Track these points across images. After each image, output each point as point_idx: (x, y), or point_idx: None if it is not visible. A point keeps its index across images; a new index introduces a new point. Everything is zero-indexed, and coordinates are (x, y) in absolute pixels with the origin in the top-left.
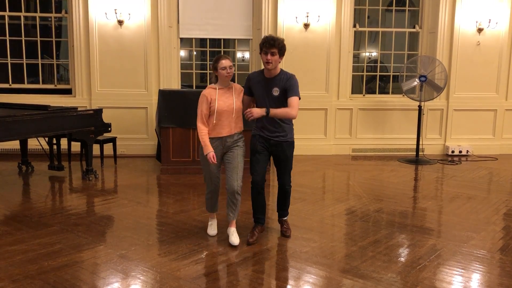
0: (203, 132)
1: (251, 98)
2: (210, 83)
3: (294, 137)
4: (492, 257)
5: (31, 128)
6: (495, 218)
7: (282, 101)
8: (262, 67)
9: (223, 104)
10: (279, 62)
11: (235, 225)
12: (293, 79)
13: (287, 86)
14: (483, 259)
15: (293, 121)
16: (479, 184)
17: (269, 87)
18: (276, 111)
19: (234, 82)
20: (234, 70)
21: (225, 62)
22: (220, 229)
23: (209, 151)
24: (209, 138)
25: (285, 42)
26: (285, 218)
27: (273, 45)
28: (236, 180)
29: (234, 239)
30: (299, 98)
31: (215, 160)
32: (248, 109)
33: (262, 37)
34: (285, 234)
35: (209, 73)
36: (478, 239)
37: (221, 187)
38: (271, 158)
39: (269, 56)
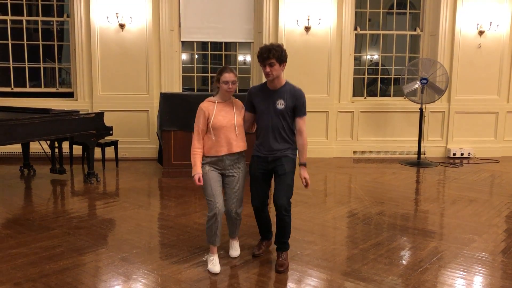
0: (195, 151)
1: (253, 115)
2: (211, 91)
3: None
4: (494, 260)
5: (33, 132)
6: (497, 221)
7: (285, 116)
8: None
9: (222, 120)
10: (282, 70)
11: (237, 239)
12: (303, 97)
13: (297, 104)
14: (485, 261)
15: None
16: (480, 187)
17: (274, 100)
18: (304, 157)
19: (236, 87)
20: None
21: (228, 76)
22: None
23: (197, 172)
24: (206, 156)
25: (285, 46)
26: (282, 252)
27: (267, 57)
28: (236, 206)
29: (233, 252)
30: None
31: (201, 182)
32: (303, 178)
33: (264, 40)
34: (277, 269)
35: (211, 83)
36: (480, 241)
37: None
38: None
39: (267, 68)
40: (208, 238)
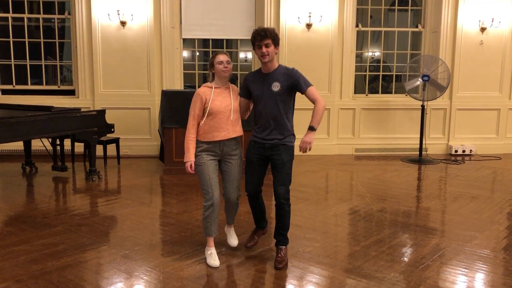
0: (190, 136)
1: (248, 101)
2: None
3: (295, 136)
4: (496, 257)
5: (34, 129)
6: (499, 218)
7: (283, 99)
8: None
9: (219, 105)
10: (276, 53)
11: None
12: (296, 72)
13: (294, 82)
14: (487, 258)
15: (296, 120)
16: (482, 184)
17: (269, 82)
18: (315, 120)
19: (236, 82)
20: (237, 71)
21: (222, 57)
22: (223, 230)
23: (189, 159)
24: (203, 142)
25: (287, 43)
26: (282, 246)
27: (265, 36)
28: (234, 192)
29: (233, 240)
30: (312, 85)
31: (193, 170)
32: (302, 142)
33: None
34: (276, 265)
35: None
36: (482, 238)
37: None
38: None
39: (264, 49)
40: (204, 229)
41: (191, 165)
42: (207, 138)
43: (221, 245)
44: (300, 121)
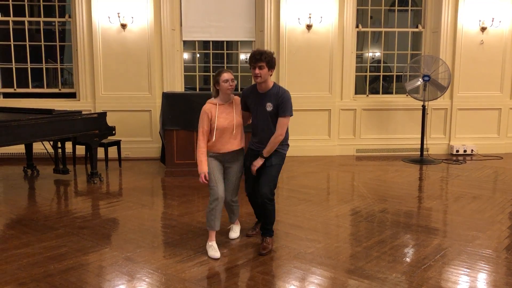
0: (200, 150)
1: (248, 113)
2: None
3: (296, 138)
4: (498, 256)
5: (36, 132)
6: (501, 217)
7: (274, 116)
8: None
9: (223, 121)
10: (270, 75)
11: (238, 223)
12: (286, 96)
13: (279, 103)
14: (489, 258)
15: (297, 121)
16: (484, 184)
17: (263, 102)
18: (267, 149)
19: (237, 85)
20: (238, 72)
21: (227, 75)
22: (225, 231)
23: (203, 171)
24: (209, 151)
25: (287, 44)
26: (267, 237)
27: (259, 59)
28: (229, 195)
29: (233, 233)
30: (291, 115)
31: (206, 180)
32: (252, 167)
33: (265, 39)
34: (260, 251)
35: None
36: (484, 238)
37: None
38: None
39: (257, 70)
40: (208, 222)
41: (205, 176)
42: (213, 150)
43: (223, 247)
44: (304, 122)
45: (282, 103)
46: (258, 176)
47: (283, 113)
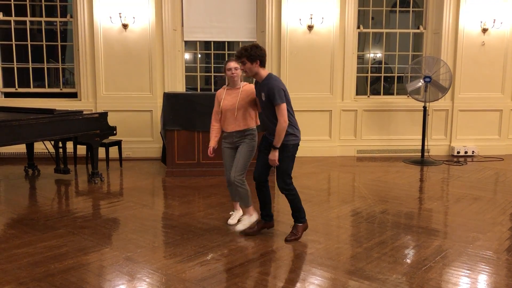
0: (212, 127)
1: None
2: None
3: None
4: (499, 258)
5: (37, 132)
6: (502, 219)
7: (270, 107)
8: (267, 69)
9: (227, 103)
10: (256, 67)
11: (244, 212)
12: (270, 84)
13: (269, 93)
14: (490, 260)
15: (298, 122)
16: (485, 185)
17: (259, 92)
18: (276, 140)
19: (239, 72)
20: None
21: (230, 64)
22: (226, 232)
23: (211, 145)
24: (222, 131)
25: (288, 45)
26: (295, 223)
27: (238, 57)
28: (233, 172)
29: (231, 220)
30: (282, 102)
31: (211, 154)
32: (269, 161)
33: (266, 39)
34: (286, 238)
35: (214, 82)
36: (484, 239)
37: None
38: None
39: (241, 67)
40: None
41: (210, 150)
42: (223, 129)
43: (223, 247)
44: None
45: (269, 93)
46: (266, 161)
47: (274, 102)
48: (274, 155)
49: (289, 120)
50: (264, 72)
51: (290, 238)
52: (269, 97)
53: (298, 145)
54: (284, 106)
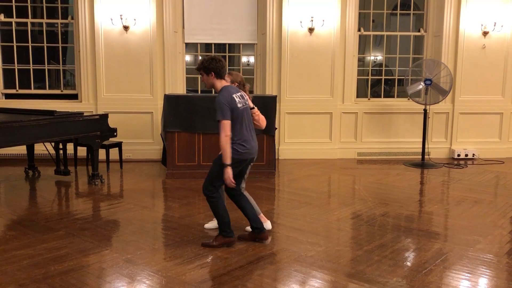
0: None
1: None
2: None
3: (298, 140)
4: (499, 261)
5: (37, 133)
6: (502, 222)
7: None
8: (268, 71)
9: None
10: (212, 79)
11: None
12: (216, 99)
13: (215, 108)
14: (490, 263)
15: (299, 124)
16: (485, 188)
17: None
18: (223, 156)
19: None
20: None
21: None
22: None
23: None
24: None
25: (289, 47)
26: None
27: (197, 69)
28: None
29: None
30: (219, 119)
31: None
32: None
33: (267, 41)
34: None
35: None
36: (485, 243)
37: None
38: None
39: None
40: None
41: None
42: None
43: (224, 250)
44: (306, 125)
45: (215, 108)
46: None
47: (215, 117)
48: (226, 173)
49: (234, 134)
50: (219, 85)
51: (205, 243)
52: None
53: (237, 161)
54: (224, 122)
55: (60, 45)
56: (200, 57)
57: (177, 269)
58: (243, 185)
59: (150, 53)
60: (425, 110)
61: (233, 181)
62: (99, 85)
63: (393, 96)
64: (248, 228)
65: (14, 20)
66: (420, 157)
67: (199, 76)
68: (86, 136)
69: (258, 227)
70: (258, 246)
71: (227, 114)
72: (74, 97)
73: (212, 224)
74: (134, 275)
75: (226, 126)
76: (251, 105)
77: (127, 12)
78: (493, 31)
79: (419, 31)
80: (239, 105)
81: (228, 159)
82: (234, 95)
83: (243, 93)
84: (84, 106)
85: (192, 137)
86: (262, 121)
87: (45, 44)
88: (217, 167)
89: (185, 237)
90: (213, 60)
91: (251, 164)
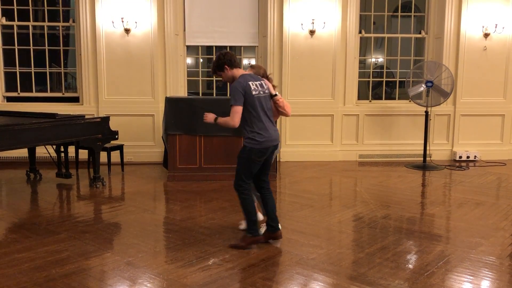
0: None
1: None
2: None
3: (299, 143)
4: (501, 264)
5: (39, 136)
6: (504, 224)
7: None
8: (269, 73)
9: None
10: (227, 73)
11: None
12: (231, 88)
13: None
14: (492, 265)
15: (300, 126)
16: (487, 190)
17: None
18: (220, 120)
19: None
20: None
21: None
22: (227, 237)
23: None
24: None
25: (290, 49)
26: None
27: (213, 73)
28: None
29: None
30: (231, 104)
31: None
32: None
33: (268, 44)
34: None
35: (216, 87)
36: (487, 245)
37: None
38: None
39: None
40: None
41: None
42: None
43: (225, 252)
44: (307, 127)
45: (230, 94)
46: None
47: (230, 103)
48: (209, 117)
49: (251, 124)
50: (237, 73)
51: (233, 244)
52: None
53: (259, 151)
54: (235, 108)
55: (61, 48)
56: (201, 60)
57: (178, 272)
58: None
59: (151, 55)
60: (426, 112)
61: (209, 118)
62: (100, 88)
63: (394, 98)
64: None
65: (15, 23)
66: (422, 159)
67: (200, 79)
68: (87, 139)
69: (273, 225)
70: (260, 248)
71: (240, 99)
72: (76, 100)
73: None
74: (136, 278)
75: (235, 113)
76: (273, 92)
77: (128, 15)
78: (494, 33)
79: (420, 33)
80: (254, 92)
81: (219, 121)
82: (250, 82)
83: (264, 81)
84: (86, 108)
85: (193, 140)
86: (287, 107)
87: (46, 47)
88: (241, 159)
89: (187, 240)
90: (220, 55)
91: (276, 152)
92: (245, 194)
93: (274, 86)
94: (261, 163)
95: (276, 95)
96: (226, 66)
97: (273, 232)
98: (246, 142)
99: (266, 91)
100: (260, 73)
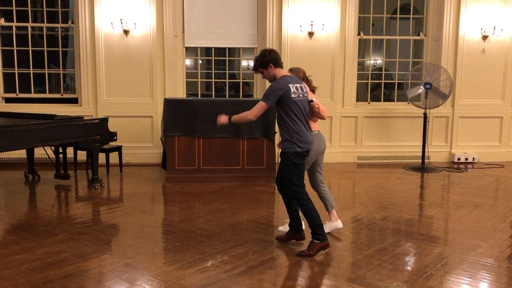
0: None
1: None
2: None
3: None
4: (500, 266)
5: (37, 137)
6: (502, 226)
7: (278, 109)
8: (308, 75)
9: None
10: (270, 71)
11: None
12: (271, 84)
13: None
14: (491, 267)
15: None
16: (485, 192)
17: None
18: (235, 117)
19: (239, 91)
20: (239, 79)
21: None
22: (226, 238)
23: None
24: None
25: (289, 51)
26: (312, 239)
27: (255, 69)
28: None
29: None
30: (263, 100)
31: None
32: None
33: (267, 46)
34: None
35: (215, 88)
36: (485, 247)
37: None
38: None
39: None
40: None
41: None
42: None
43: (223, 254)
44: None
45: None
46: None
47: (261, 98)
48: (222, 118)
49: (289, 127)
50: (279, 73)
51: (301, 253)
52: None
53: (303, 154)
54: (262, 104)
55: (60, 49)
56: (200, 61)
57: (176, 273)
58: (321, 178)
59: (150, 57)
60: (425, 114)
61: (223, 122)
62: (99, 89)
63: (393, 100)
64: (282, 228)
65: (14, 24)
66: (420, 161)
67: (199, 80)
68: (86, 140)
69: (297, 227)
70: (258, 250)
71: (272, 100)
72: (74, 101)
73: (285, 228)
74: (134, 280)
75: (258, 108)
76: (310, 97)
77: (127, 16)
78: (492, 35)
79: (418, 35)
80: (293, 95)
81: (234, 119)
82: (290, 85)
83: (304, 85)
84: (84, 110)
85: (192, 141)
86: (323, 111)
87: (45, 48)
88: (286, 167)
89: (185, 241)
90: (266, 52)
91: (322, 153)
92: (304, 200)
93: (314, 88)
94: (304, 164)
95: (312, 101)
96: (271, 64)
97: (296, 233)
98: (285, 147)
99: (306, 95)
100: (300, 76)
